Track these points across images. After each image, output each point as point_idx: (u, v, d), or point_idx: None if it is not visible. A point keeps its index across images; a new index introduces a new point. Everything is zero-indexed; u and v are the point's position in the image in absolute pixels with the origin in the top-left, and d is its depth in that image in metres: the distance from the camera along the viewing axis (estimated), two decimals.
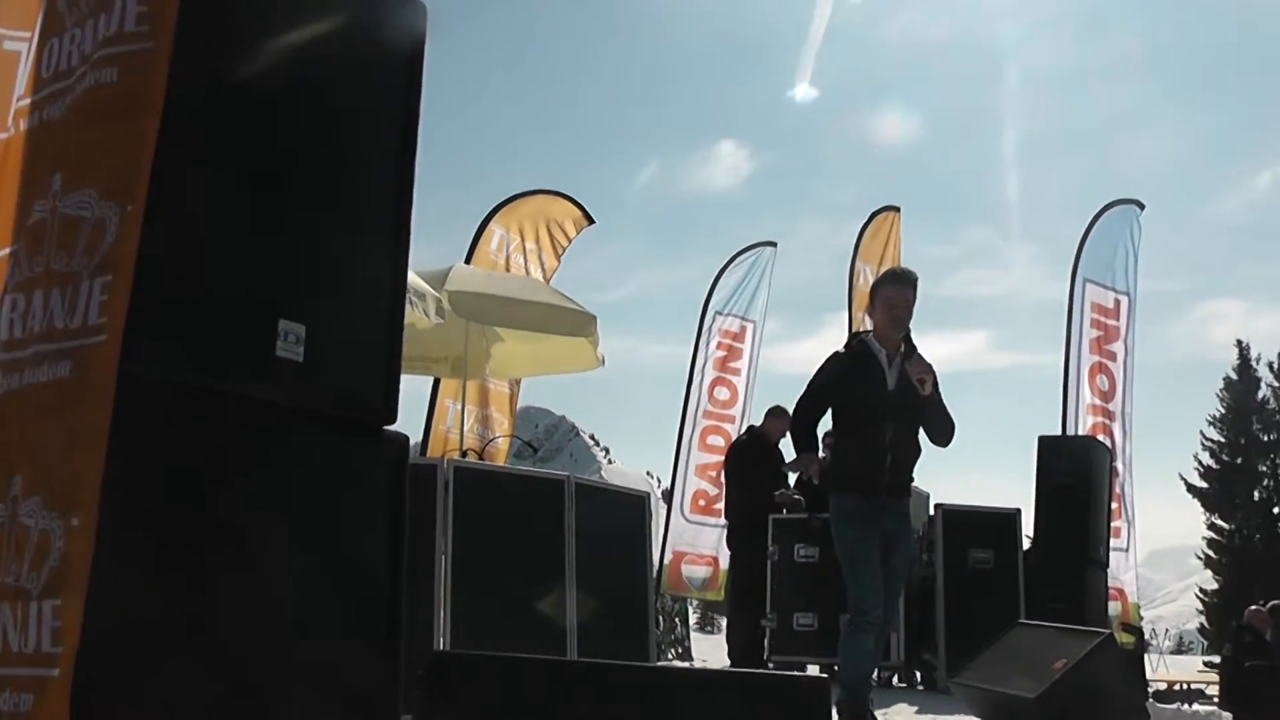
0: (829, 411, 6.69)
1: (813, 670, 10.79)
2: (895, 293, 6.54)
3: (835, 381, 6.55)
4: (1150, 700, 10.02)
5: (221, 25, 2.65)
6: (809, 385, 6.64)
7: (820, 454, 7.06)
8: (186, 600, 2.43)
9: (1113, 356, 15.08)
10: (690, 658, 21.19)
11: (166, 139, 2.44)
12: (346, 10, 3.02)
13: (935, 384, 6.42)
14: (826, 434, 11.27)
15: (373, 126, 3.10)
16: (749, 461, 10.97)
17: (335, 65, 2.97)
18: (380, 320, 3.06)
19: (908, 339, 6.47)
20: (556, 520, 7.54)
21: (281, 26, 2.82)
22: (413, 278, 7.61)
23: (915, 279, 6.71)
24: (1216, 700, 14.06)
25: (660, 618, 19.24)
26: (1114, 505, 12.89)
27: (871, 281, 15.97)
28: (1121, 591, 14.55)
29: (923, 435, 6.65)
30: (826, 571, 10.28)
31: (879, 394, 6.40)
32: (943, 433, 6.59)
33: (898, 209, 17.17)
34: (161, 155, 2.42)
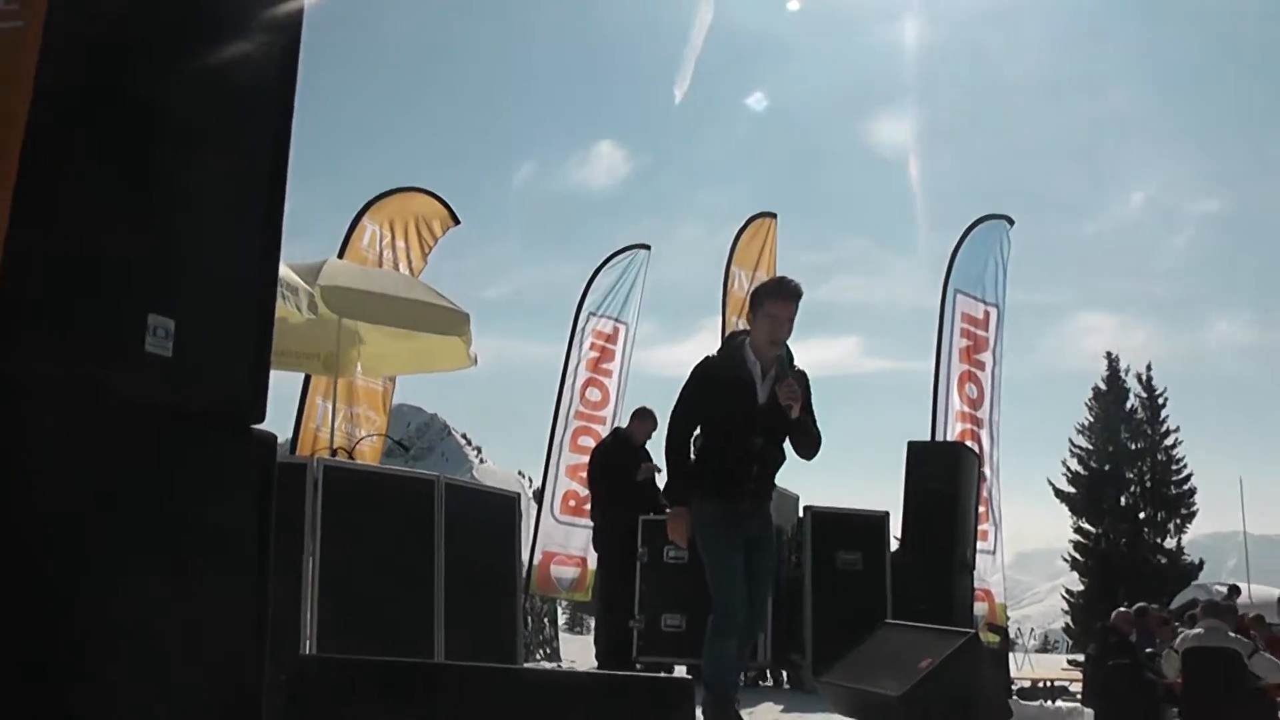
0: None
1: (680, 671, 10.86)
2: (779, 308, 6.44)
3: (705, 391, 6.50)
4: (1014, 697, 10.22)
5: (95, 8, 2.56)
6: (680, 395, 6.57)
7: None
8: (41, 601, 2.37)
9: (981, 366, 15.47)
10: (559, 658, 21.20)
11: (35, 124, 2.35)
12: (224, 2, 2.97)
13: (806, 404, 6.43)
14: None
15: (246, 118, 3.03)
16: (614, 464, 10.99)
17: (208, 55, 2.90)
18: (251, 317, 2.99)
19: (787, 351, 6.45)
20: (426, 521, 7.49)
21: (159, 16, 2.74)
22: (286, 272, 7.51)
23: (800, 292, 6.59)
24: (1079, 697, 14.40)
25: (529, 618, 19.20)
26: (981, 509, 13.19)
27: (748, 287, 16.27)
28: (989, 593, 14.90)
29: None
30: (695, 573, 10.34)
31: (749, 408, 6.39)
32: (808, 448, 6.59)
33: (774, 215, 17.33)
34: (30, 141, 2.34)
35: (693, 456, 6.53)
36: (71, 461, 2.46)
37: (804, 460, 6.83)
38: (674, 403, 6.56)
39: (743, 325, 15.85)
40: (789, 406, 6.27)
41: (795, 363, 6.52)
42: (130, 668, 2.54)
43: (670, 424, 6.59)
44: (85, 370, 2.50)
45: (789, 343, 6.47)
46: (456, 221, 14.40)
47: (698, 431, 6.59)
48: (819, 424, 6.58)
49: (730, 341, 6.76)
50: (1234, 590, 21.86)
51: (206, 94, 2.90)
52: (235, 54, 3.00)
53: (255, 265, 3.02)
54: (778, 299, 6.46)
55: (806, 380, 6.49)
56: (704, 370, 6.57)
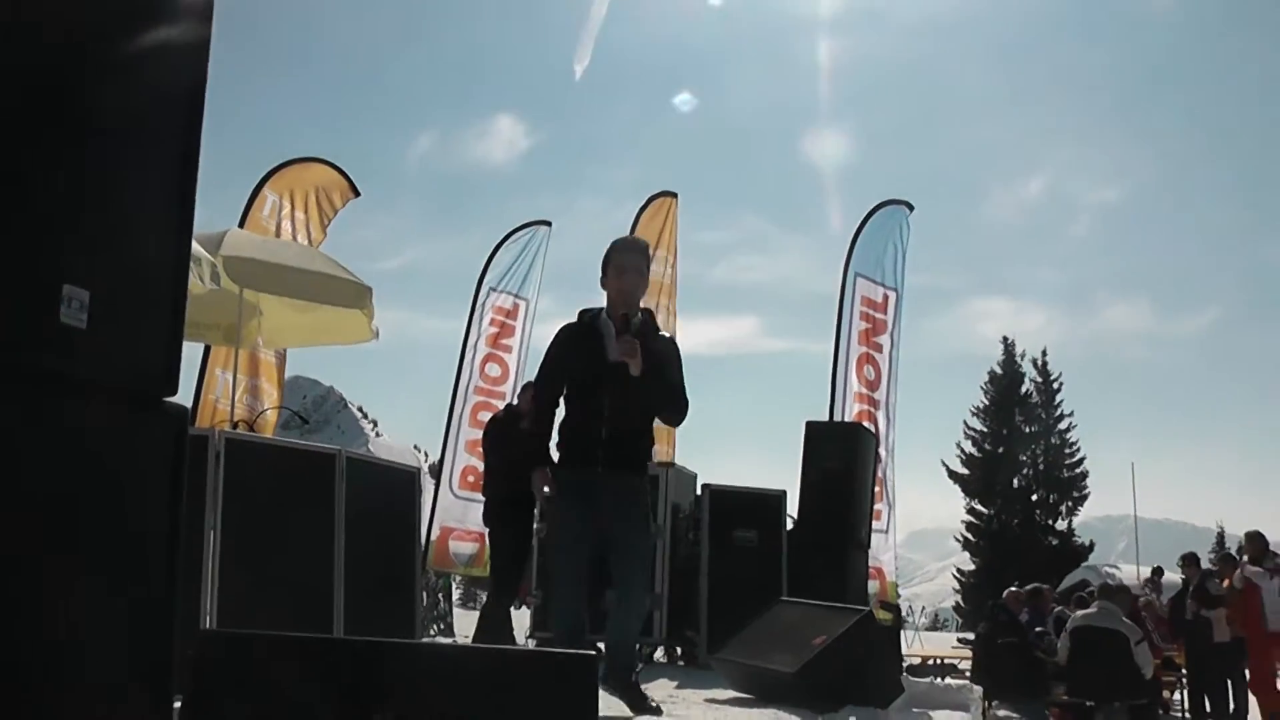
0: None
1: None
2: (625, 258, 6.37)
3: (561, 353, 6.44)
4: (905, 674, 10.38)
5: None
6: (541, 362, 6.57)
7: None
8: None
9: (879, 348, 15.74)
10: (452, 633, 21.20)
11: None
12: None
13: (674, 356, 6.37)
14: None
15: (159, 89, 3.02)
16: (504, 438, 10.87)
17: (122, 27, 2.89)
18: (164, 288, 2.99)
19: (645, 310, 6.44)
20: (327, 495, 7.47)
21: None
22: None
23: (646, 246, 6.69)
24: (969, 674, 14.68)
25: (425, 594, 19.18)
26: (876, 489, 13.41)
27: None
28: (881, 571, 15.20)
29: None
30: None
31: (596, 364, 6.22)
32: (668, 410, 6.44)
33: (675, 195, 17.40)
34: None
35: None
36: None
37: (669, 425, 6.91)
38: (544, 357, 6.56)
39: (654, 304, 16.07)
40: (625, 363, 6.09)
41: (661, 331, 6.54)
42: (40, 645, 2.54)
43: (535, 388, 6.72)
44: None
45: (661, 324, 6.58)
46: (357, 193, 14.34)
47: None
48: (689, 393, 6.42)
49: (584, 310, 6.55)
50: (1158, 571, 22.29)
51: (120, 73, 2.88)
52: (147, 33, 2.99)
53: (169, 239, 3.02)
54: (623, 251, 6.40)
55: (674, 346, 6.46)
56: (561, 333, 6.48)
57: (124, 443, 2.84)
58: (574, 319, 6.49)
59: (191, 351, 11.46)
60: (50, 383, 2.62)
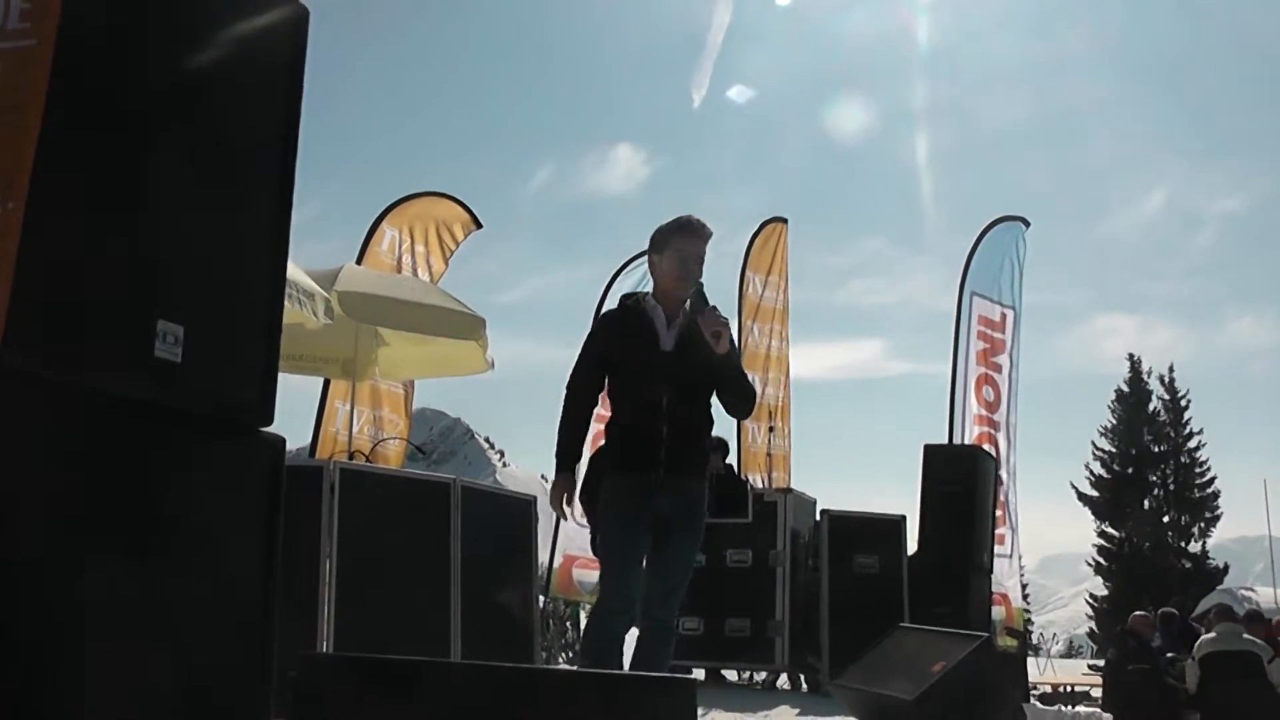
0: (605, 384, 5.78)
1: (699, 674, 10.92)
2: (687, 244, 5.65)
3: (604, 346, 5.76)
4: (1033, 701, 10.21)
5: (104, 24, 2.61)
6: (579, 355, 5.82)
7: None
8: (59, 600, 2.43)
9: (998, 368, 15.46)
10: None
11: (48, 137, 2.41)
12: (228, 11, 3.01)
13: (731, 342, 5.63)
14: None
15: (253, 127, 3.09)
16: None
17: (216, 65, 2.96)
18: (258, 321, 3.05)
19: (699, 294, 5.63)
20: (442, 523, 7.54)
21: (164, 26, 2.80)
22: (302, 278, 7.58)
23: (709, 232, 5.76)
24: (1100, 702, 14.36)
25: (550, 621, 19.19)
26: (998, 513, 13.19)
27: (762, 292, 16.27)
28: (1006, 597, 14.88)
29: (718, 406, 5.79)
30: (712, 575, 10.45)
31: (651, 355, 5.57)
32: (740, 400, 5.78)
33: (785, 220, 17.31)
34: (43, 153, 2.39)
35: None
36: (81, 467, 2.52)
37: (736, 417, 6.23)
38: (582, 348, 5.83)
39: (759, 332, 16.01)
40: (716, 335, 5.42)
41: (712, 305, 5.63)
42: (137, 663, 2.59)
43: (567, 385, 5.80)
44: (97, 376, 2.56)
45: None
46: (479, 225, 14.42)
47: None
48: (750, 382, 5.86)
49: (628, 296, 5.97)
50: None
51: (213, 104, 2.96)
52: (240, 63, 3.06)
53: (263, 270, 3.09)
54: (685, 235, 5.67)
55: (728, 323, 5.61)
56: (598, 326, 5.92)
57: (221, 472, 2.92)
58: (620, 304, 5.90)
59: (312, 385, 11.69)
60: (147, 416, 2.68)
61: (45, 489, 2.44)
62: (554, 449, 5.69)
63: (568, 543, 15.72)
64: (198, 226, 2.87)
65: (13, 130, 2.43)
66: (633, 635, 5.73)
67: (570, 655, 22.70)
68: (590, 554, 15.60)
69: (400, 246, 13.09)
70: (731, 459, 12.09)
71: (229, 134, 3.01)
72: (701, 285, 5.69)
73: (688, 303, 5.59)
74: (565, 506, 5.72)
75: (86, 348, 2.54)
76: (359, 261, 12.23)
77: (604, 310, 5.87)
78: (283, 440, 3.12)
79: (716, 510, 8.60)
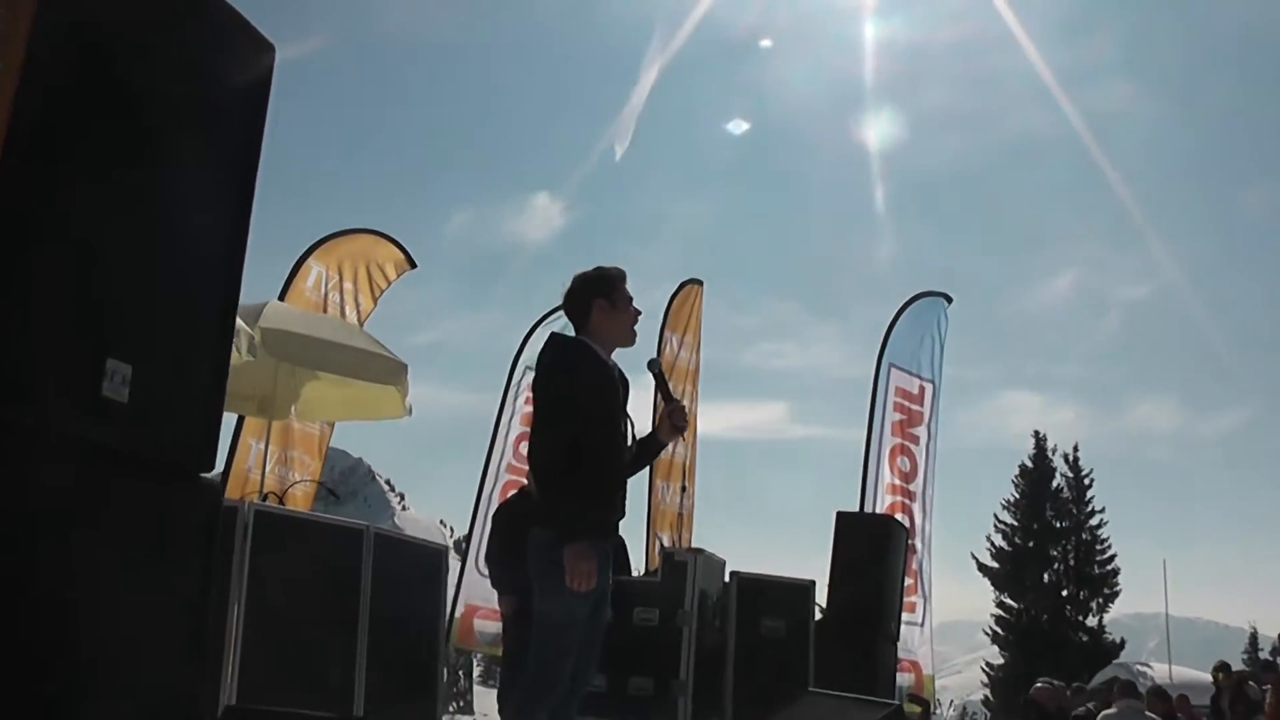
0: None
1: None
2: (629, 295, 5.30)
3: (608, 398, 5.15)
4: None
5: (68, 53, 2.58)
6: (590, 384, 5.08)
7: None
8: None
9: (915, 440, 15.64)
10: (472, 711, 21.08)
11: (5, 169, 2.38)
12: (194, 46, 2.98)
13: None
14: None
15: (212, 165, 3.06)
16: (509, 525, 10.11)
17: (179, 99, 2.93)
18: (206, 365, 3.02)
19: (662, 378, 5.53)
20: (354, 570, 7.40)
21: (126, 60, 2.77)
22: None
23: None
24: None
25: (444, 670, 19.10)
26: (910, 582, 13.29)
27: (678, 351, 16.38)
28: (916, 664, 15.00)
29: None
30: (618, 633, 10.37)
31: (623, 416, 5.22)
32: (640, 469, 5.55)
33: (701, 282, 17.46)
34: (1, 184, 2.37)
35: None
36: (24, 502, 2.46)
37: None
38: (572, 389, 5.04)
39: (674, 390, 16.05)
40: (677, 430, 5.30)
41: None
42: (66, 709, 2.54)
43: (581, 420, 4.98)
44: (41, 414, 2.51)
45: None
46: (413, 265, 14.37)
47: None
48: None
49: (580, 343, 5.25)
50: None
51: (172, 143, 2.93)
52: (203, 103, 3.04)
53: (214, 317, 3.06)
54: (625, 285, 5.30)
55: None
56: (599, 372, 5.17)
57: (160, 516, 2.86)
58: (574, 342, 5.28)
59: (226, 421, 11.50)
60: (91, 456, 2.63)
61: None
62: (589, 505, 4.96)
63: (470, 592, 15.58)
64: (151, 266, 2.84)
65: None
66: None
67: (459, 705, 22.53)
68: (491, 605, 15.42)
69: (327, 284, 12.96)
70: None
71: (186, 173, 2.97)
72: (659, 363, 5.60)
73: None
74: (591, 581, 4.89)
75: (31, 383, 2.49)
76: (282, 297, 12.06)
77: (579, 339, 5.23)
78: (220, 486, 3.09)
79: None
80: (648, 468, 15.42)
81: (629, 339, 5.26)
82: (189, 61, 2.96)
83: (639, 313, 5.32)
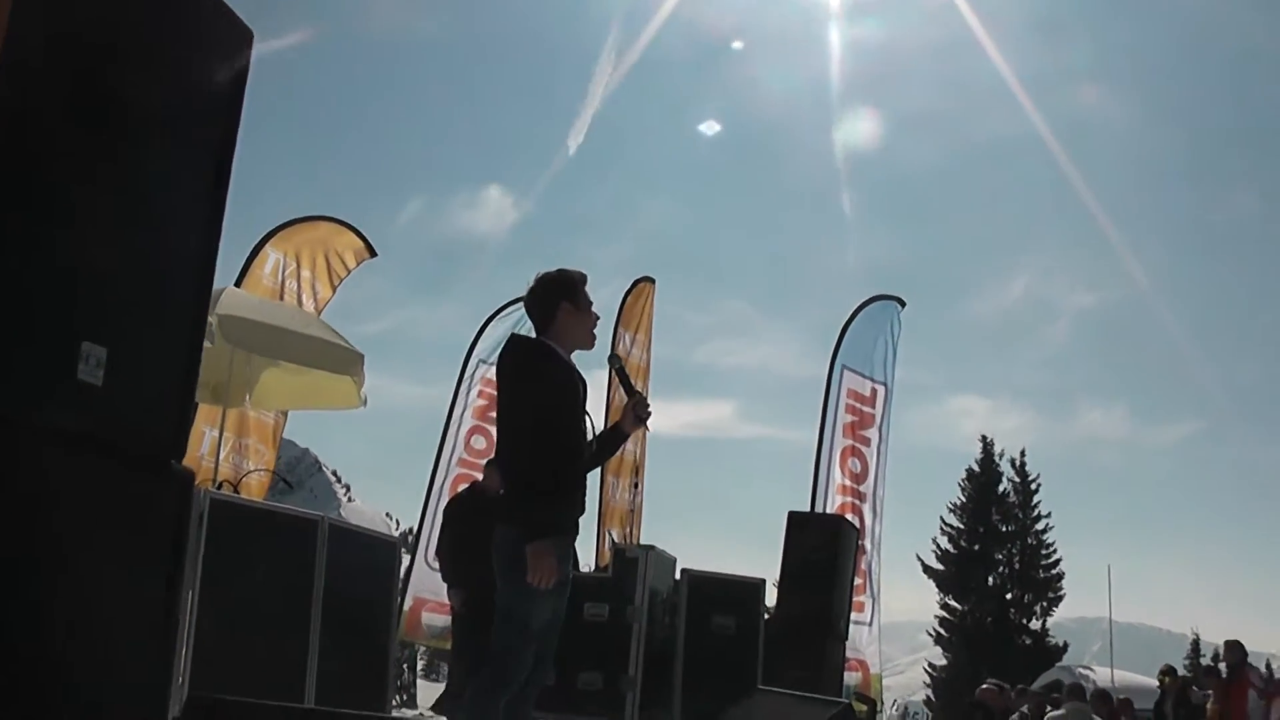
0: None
1: None
2: (590, 298, 5.39)
3: (571, 398, 5.24)
4: None
5: (43, 47, 2.57)
6: (552, 381, 5.19)
7: None
8: None
9: (866, 441, 15.75)
10: (415, 705, 21.03)
11: None
12: (171, 30, 2.97)
13: None
14: None
15: (189, 149, 3.06)
16: (461, 520, 10.11)
17: (155, 84, 2.91)
18: (180, 351, 3.01)
19: (623, 372, 5.78)
20: (307, 561, 7.40)
21: (102, 44, 2.76)
22: None
23: None
24: None
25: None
26: (859, 581, 13.39)
27: (630, 348, 16.42)
28: (863, 663, 15.13)
29: None
30: (568, 627, 10.40)
31: (584, 415, 5.32)
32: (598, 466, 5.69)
33: (653, 280, 17.50)
34: None
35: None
36: None
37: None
38: (539, 390, 5.13)
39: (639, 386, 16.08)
40: (640, 421, 5.36)
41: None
42: (46, 700, 2.54)
43: (548, 420, 5.10)
44: (14, 396, 2.50)
45: None
46: (373, 253, 14.28)
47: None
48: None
49: (543, 344, 5.30)
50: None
51: (149, 129, 2.92)
52: (179, 89, 3.03)
53: (188, 302, 3.05)
54: (586, 288, 5.37)
55: None
56: (560, 368, 5.26)
57: (130, 502, 2.84)
58: (537, 343, 5.33)
59: None
60: (65, 441, 2.62)
61: None
62: (554, 503, 5.06)
63: (419, 585, 15.54)
64: (128, 250, 2.82)
65: None
66: None
67: (402, 699, 22.46)
68: (440, 598, 15.37)
69: (284, 271, 12.85)
70: None
71: (162, 157, 2.96)
72: (619, 358, 5.81)
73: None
74: (551, 577, 4.98)
75: (5, 367, 2.48)
76: (239, 283, 11.98)
77: (540, 339, 5.28)
78: (192, 474, 3.08)
79: None
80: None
81: (589, 342, 5.36)
82: (166, 49, 2.96)
83: (598, 317, 5.42)
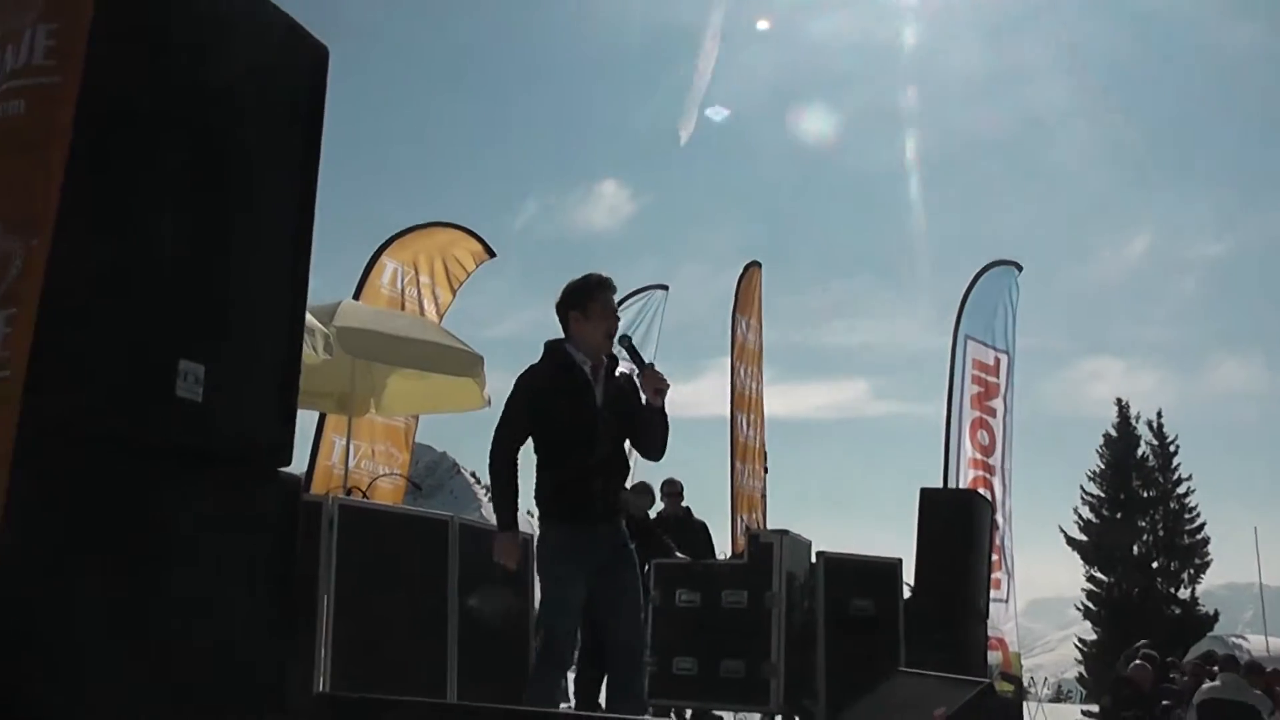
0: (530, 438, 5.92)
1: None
2: (610, 300, 5.95)
3: (534, 405, 5.82)
4: None
5: (128, 62, 2.62)
6: (506, 409, 5.88)
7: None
8: (80, 634, 2.41)
9: (993, 412, 15.47)
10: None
11: (73, 175, 2.40)
12: (250, 50, 3.01)
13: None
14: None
15: (275, 167, 3.10)
16: None
17: (239, 104, 2.97)
18: (278, 362, 3.07)
19: (633, 348, 6.15)
20: (440, 561, 7.50)
21: (187, 65, 2.80)
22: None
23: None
24: None
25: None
26: (994, 558, 13.14)
27: (745, 334, 16.32)
28: (1002, 641, 14.83)
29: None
30: (708, 616, 10.39)
31: (588, 411, 5.80)
32: (660, 446, 6.02)
33: (759, 264, 17.37)
34: (68, 191, 2.39)
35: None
36: (104, 506, 2.50)
37: (650, 461, 6.38)
38: (523, 393, 5.85)
39: (744, 371, 16.03)
40: (659, 393, 5.81)
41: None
42: (158, 702, 2.57)
43: (495, 437, 5.85)
44: (118, 416, 2.54)
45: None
46: (491, 254, 14.31)
47: (534, 454, 5.91)
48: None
49: (551, 346, 6.03)
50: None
51: (233, 146, 2.98)
52: (261, 106, 3.07)
53: (283, 313, 3.10)
54: (606, 291, 5.95)
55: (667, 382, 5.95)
56: (530, 381, 5.88)
57: (238, 511, 2.90)
58: (548, 346, 6.03)
59: (307, 419, 11.58)
60: (167, 455, 2.68)
61: (71, 523, 2.42)
62: (496, 508, 5.90)
63: None
64: (221, 266, 2.88)
65: (38, 167, 2.42)
66: None
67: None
68: None
69: (403, 279, 12.98)
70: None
71: (250, 176, 3.01)
72: (630, 338, 6.22)
73: (605, 359, 5.96)
74: (511, 560, 5.88)
75: (108, 385, 2.53)
76: (357, 295, 12.17)
77: (529, 368, 6.01)
78: (299, 481, 3.11)
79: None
80: (729, 451, 15.61)
81: (603, 344, 5.92)
82: (246, 63, 3.00)
83: (617, 319, 6.01)
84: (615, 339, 6.11)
